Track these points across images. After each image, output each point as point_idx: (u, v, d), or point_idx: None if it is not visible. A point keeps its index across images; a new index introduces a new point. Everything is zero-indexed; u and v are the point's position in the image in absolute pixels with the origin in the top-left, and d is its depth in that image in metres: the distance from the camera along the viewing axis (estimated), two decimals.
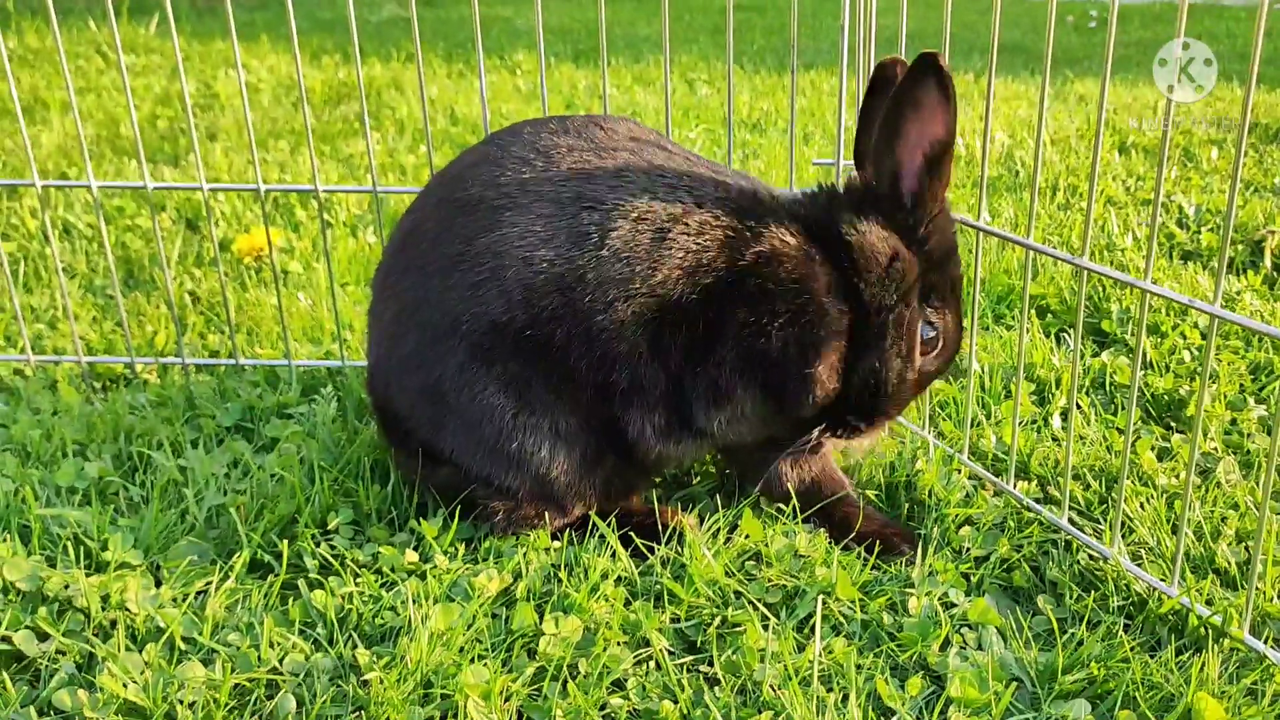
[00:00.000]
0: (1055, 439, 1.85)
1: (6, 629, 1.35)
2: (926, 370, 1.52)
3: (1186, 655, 1.35)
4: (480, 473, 1.50)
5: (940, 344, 1.51)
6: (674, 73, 5.32)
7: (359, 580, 1.45)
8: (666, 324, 1.42)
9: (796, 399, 1.46)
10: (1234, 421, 1.89)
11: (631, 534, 1.55)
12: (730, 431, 1.51)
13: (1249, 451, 1.80)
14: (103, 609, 1.40)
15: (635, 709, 1.28)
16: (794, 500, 1.61)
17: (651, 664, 1.35)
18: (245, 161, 3.60)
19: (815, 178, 3.23)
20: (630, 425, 1.48)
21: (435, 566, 1.48)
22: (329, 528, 1.58)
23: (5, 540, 1.50)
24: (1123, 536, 1.57)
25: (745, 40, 6.60)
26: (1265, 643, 1.34)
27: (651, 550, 1.52)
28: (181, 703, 1.25)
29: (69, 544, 1.51)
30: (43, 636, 1.36)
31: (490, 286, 1.42)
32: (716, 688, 1.31)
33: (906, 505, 1.69)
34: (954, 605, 1.45)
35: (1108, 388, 2.03)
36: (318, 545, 1.54)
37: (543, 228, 1.42)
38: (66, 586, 1.42)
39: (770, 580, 1.47)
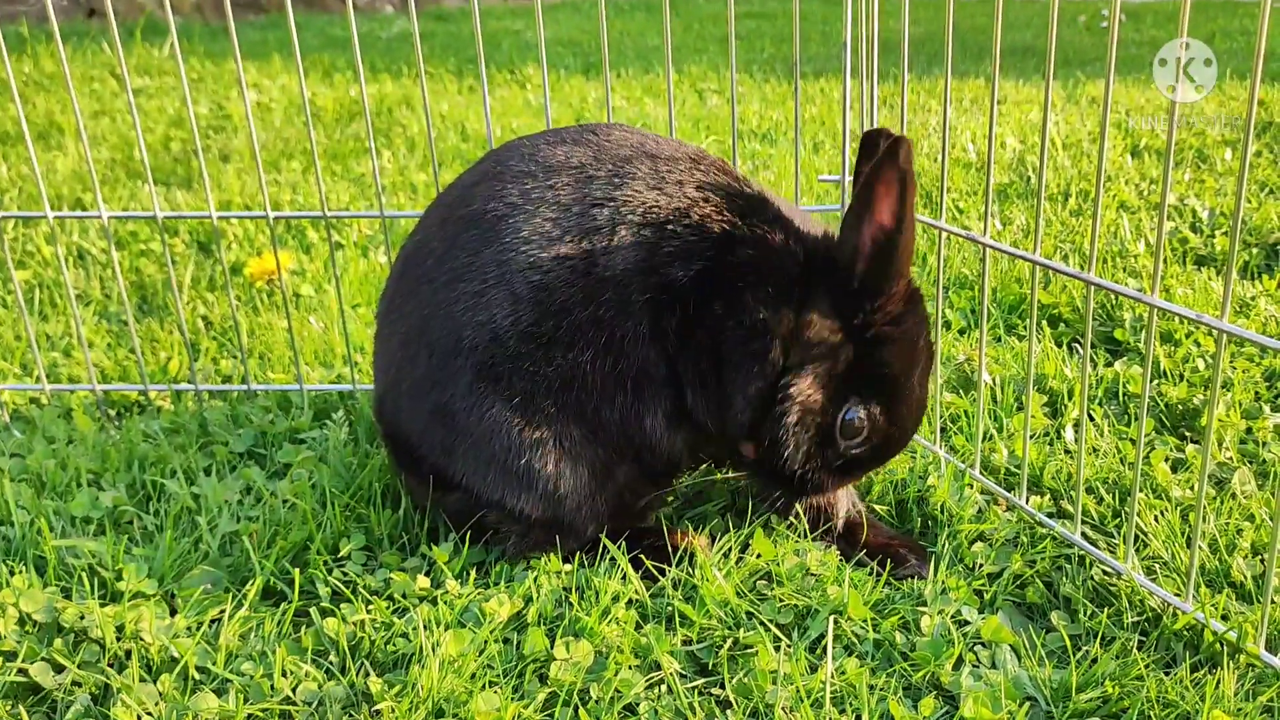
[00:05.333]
0: (1068, 452, 1.83)
1: (23, 661, 1.36)
2: (851, 455, 1.47)
3: (1202, 672, 1.34)
4: (491, 496, 1.50)
5: (866, 434, 1.45)
6: (683, 83, 5.32)
7: (370, 607, 1.46)
8: (664, 307, 1.44)
9: (731, 411, 1.46)
10: (1249, 430, 1.88)
11: (642, 556, 1.55)
12: (711, 421, 1.49)
13: (1265, 461, 1.78)
14: (118, 639, 1.41)
15: None
16: (804, 517, 1.61)
17: (663, 688, 1.34)
18: (258, 183, 3.62)
19: (821, 191, 3.23)
20: (645, 417, 1.48)
21: (447, 592, 1.49)
22: (341, 554, 1.58)
23: (21, 572, 1.52)
24: (1137, 551, 1.56)
25: (755, 49, 6.58)
26: None
27: (662, 572, 1.52)
28: None
29: (84, 575, 1.52)
30: (58, 668, 1.37)
31: (496, 291, 1.44)
32: (728, 711, 1.31)
33: (918, 521, 1.68)
34: (967, 623, 1.44)
35: (1121, 398, 2.01)
36: (330, 572, 1.55)
37: (550, 228, 1.45)
38: (82, 617, 1.43)
39: (782, 600, 1.47)
